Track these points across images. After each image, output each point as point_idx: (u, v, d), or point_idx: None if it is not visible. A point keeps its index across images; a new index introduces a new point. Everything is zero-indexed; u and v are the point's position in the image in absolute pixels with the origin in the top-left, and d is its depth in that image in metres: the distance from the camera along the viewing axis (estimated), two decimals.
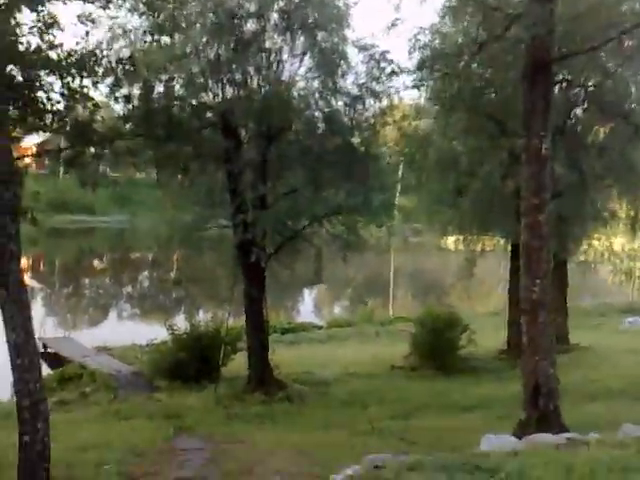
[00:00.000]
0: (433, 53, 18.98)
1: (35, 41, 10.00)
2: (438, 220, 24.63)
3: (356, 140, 18.59)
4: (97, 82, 11.05)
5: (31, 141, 25.49)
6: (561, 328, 21.68)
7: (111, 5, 11.02)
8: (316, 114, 17.80)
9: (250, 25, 16.87)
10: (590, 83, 20.19)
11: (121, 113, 13.47)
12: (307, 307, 42.09)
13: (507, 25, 12.57)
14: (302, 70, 17.47)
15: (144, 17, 14.45)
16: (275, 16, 16.90)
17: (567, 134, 20.33)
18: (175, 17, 15.05)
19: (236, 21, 16.38)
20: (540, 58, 11.66)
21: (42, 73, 10.13)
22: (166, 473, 11.38)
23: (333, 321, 34.07)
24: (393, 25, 16.34)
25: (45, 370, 19.07)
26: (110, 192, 68.20)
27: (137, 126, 13.01)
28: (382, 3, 13.52)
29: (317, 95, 17.48)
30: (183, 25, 15.41)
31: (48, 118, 10.64)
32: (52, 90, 10.35)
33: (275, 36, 17.15)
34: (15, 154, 10.50)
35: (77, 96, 10.64)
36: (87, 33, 10.59)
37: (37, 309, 30.68)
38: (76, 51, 10.50)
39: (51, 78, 10.29)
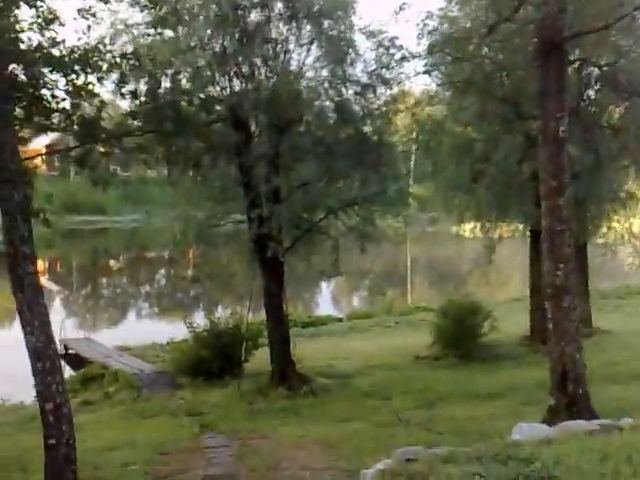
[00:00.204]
0: (442, 38, 18.72)
1: (36, 38, 9.91)
2: (455, 207, 24.36)
3: (368, 129, 18.40)
4: (102, 78, 10.90)
5: (40, 142, 25.50)
6: (583, 312, 21.40)
7: None
8: (326, 104, 17.59)
9: (254, 15, 16.66)
10: (603, 62, 19.81)
11: (128, 109, 13.34)
12: (326, 300, 41.94)
13: (516, 6, 12.34)
14: (310, 60, 17.28)
15: (146, 11, 14.30)
16: (279, 5, 16.70)
17: (581, 115, 19.98)
18: (177, 10, 14.90)
19: (240, 12, 16.17)
20: (551, 38, 11.44)
21: (45, 71, 9.99)
22: (194, 472, 11.32)
23: (353, 313, 33.99)
24: (401, 9, 16.22)
25: (67, 371, 19.13)
26: (121, 192, 68.92)
27: (145, 122, 12.88)
28: None
29: (326, 84, 17.30)
30: (186, 18, 15.24)
31: (54, 117, 10.53)
32: (57, 88, 10.21)
33: (280, 26, 16.94)
34: (24, 155, 10.40)
35: (82, 93, 10.52)
36: (89, 28, 10.46)
37: (56, 311, 30.78)
38: (79, 47, 10.36)
39: (55, 76, 10.16)
